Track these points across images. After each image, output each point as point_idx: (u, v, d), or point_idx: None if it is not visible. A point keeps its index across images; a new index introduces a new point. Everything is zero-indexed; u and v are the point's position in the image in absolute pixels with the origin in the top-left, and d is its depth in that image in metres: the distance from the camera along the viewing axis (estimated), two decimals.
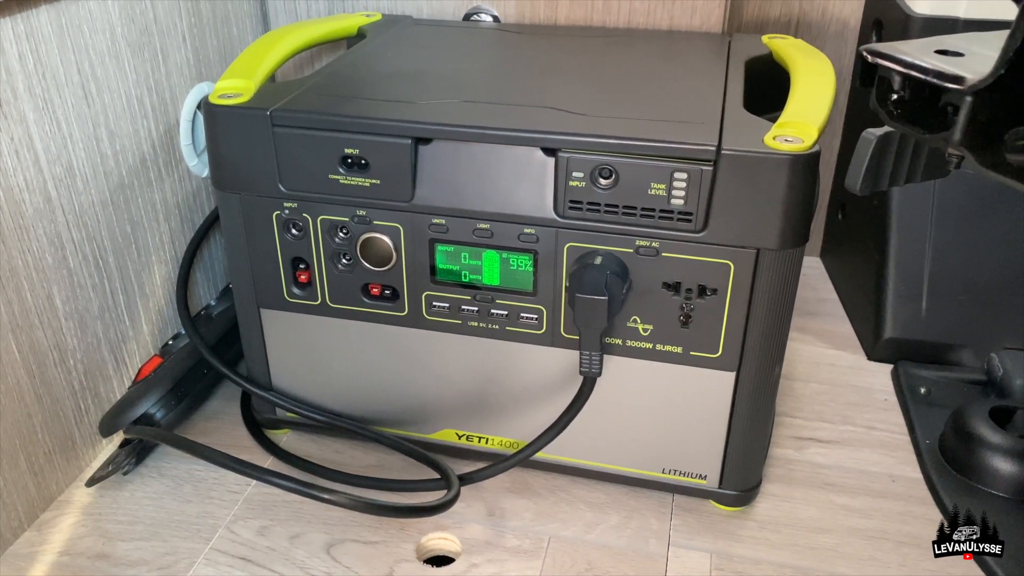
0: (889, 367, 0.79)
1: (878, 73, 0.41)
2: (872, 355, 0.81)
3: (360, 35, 0.76)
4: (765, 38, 0.72)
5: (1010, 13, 0.35)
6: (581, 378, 0.56)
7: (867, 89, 0.43)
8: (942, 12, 0.72)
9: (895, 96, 0.41)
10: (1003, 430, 0.64)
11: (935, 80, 0.37)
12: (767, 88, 0.63)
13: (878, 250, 0.79)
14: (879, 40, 0.82)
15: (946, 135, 0.38)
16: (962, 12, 0.72)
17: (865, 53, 0.42)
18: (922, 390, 0.74)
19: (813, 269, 0.97)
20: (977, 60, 0.38)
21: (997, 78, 0.35)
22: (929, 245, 0.77)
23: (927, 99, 0.39)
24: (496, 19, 0.81)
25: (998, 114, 0.37)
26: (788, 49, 0.67)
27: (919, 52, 0.39)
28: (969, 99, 0.36)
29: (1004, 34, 0.35)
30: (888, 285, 0.78)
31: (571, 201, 0.53)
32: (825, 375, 0.79)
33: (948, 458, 0.66)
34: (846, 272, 0.91)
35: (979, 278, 0.76)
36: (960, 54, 0.39)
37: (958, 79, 0.36)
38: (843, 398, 0.76)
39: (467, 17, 0.81)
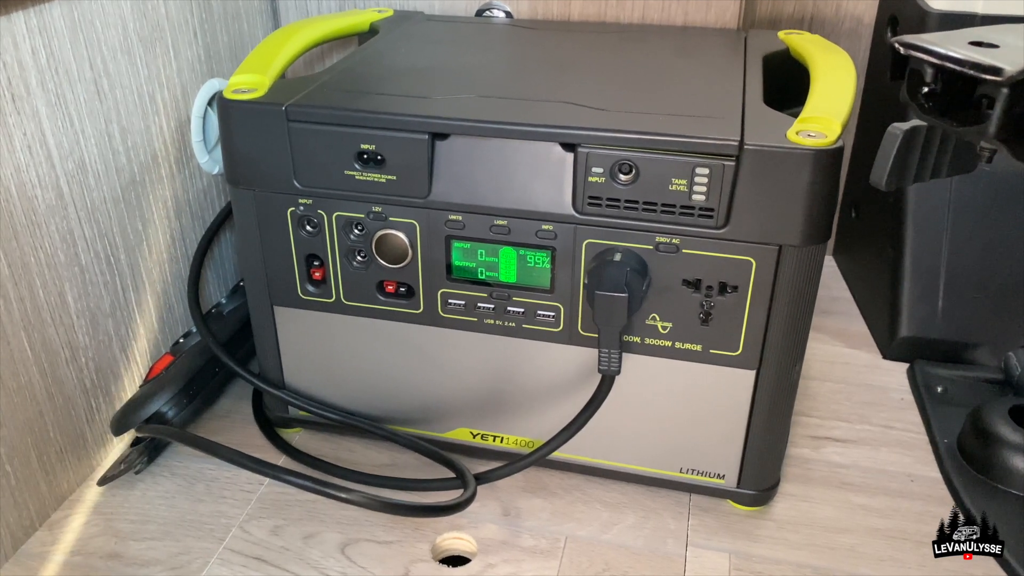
0: (905, 366, 0.79)
1: (909, 65, 0.41)
2: (887, 354, 0.80)
3: (372, 31, 0.75)
4: (781, 34, 0.71)
5: None
6: (599, 376, 0.56)
7: (896, 82, 0.42)
8: (959, 7, 0.72)
9: (926, 89, 0.40)
10: (1023, 429, 0.63)
11: (972, 72, 0.37)
12: (784, 84, 0.63)
13: (894, 248, 0.79)
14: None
15: (980, 128, 0.37)
16: (980, 8, 0.71)
17: (897, 45, 0.41)
18: (939, 389, 0.74)
19: (826, 268, 0.95)
20: (1012, 52, 0.37)
21: None
22: (945, 243, 0.76)
23: (960, 91, 0.39)
24: (509, 15, 0.80)
25: None
26: (806, 45, 0.66)
27: (953, 44, 0.39)
28: (1006, 91, 0.35)
29: None
30: (904, 283, 0.78)
31: (590, 197, 0.53)
32: (840, 374, 0.78)
33: (967, 458, 0.66)
34: (860, 271, 0.90)
35: (996, 276, 0.75)
36: (995, 46, 0.39)
37: (996, 71, 0.36)
38: (859, 397, 0.75)
39: (479, 13, 0.81)
